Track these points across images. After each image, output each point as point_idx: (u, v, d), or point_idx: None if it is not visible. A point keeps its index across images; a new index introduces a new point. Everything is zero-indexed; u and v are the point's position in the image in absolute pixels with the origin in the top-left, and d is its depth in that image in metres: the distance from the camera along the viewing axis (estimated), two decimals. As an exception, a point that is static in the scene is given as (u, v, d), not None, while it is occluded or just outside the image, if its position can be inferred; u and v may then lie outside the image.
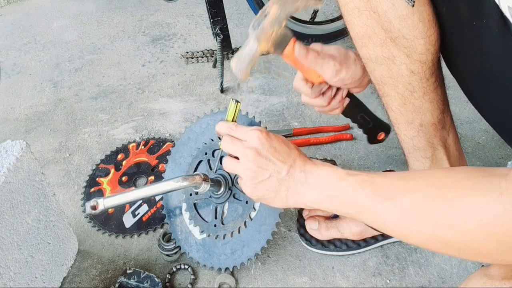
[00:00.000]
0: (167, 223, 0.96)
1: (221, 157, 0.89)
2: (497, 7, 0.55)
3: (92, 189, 1.14)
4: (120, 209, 1.08)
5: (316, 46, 0.82)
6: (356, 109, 0.94)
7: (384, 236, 0.94)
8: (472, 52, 0.66)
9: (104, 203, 0.78)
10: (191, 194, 0.92)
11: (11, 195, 0.78)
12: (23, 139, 0.84)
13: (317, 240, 0.95)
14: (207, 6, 1.39)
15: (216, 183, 0.85)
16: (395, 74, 0.73)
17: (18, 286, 0.81)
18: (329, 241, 0.94)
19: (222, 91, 1.43)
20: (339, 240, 0.94)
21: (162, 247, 0.96)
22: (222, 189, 0.86)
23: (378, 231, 0.91)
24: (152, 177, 1.15)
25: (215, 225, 0.88)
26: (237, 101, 0.79)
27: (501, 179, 0.50)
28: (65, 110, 1.46)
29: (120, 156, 1.23)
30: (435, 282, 0.89)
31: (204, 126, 0.95)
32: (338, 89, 0.88)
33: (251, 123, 0.88)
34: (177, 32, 1.79)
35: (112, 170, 1.19)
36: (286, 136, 1.23)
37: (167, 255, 0.96)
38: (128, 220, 1.06)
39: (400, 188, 0.61)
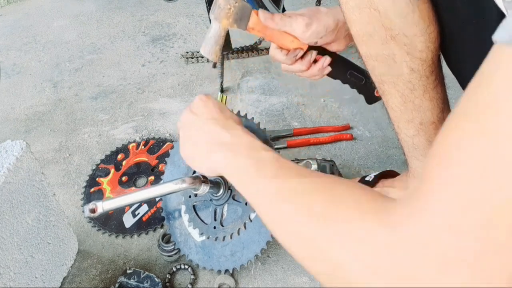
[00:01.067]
0: (167, 225, 0.96)
1: None
2: (496, 4, 0.55)
3: (92, 189, 1.14)
4: (120, 209, 1.08)
5: (285, 13, 0.83)
6: (343, 68, 0.90)
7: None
8: (472, 50, 0.66)
9: (103, 206, 0.77)
10: (190, 196, 0.91)
11: (11, 195, 0.78)
12: (23, 139, 0.83)
13: (317, 240, 0.95)
14: (207, 6, 1.38)
15: (215, 184, 0.85)
16: (395, 72, 0.73)
17: (18, 286, 0.81)
18: (329, 241, 0.94)
19: (222, 91, 1.43)
20: (339, 239, 0.94)
21: (162, 248, 0.96)
22: (221, 190, 0.86)
23: None
24: (152, 177, 1.15)
25: (214, 227, 0.88)
26: (225, 96, 0.81)
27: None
28: (65, 110, 1.46)
29: (120, 156, 1.23)
30: (436, 282, 0.89)
31: None
32: (318, 56, 0.85)
33: (250, 125, 0.88)
34: (177, 32, 1.79)
35: (112, 170, 1.19)
36: (286, 136, 1.23)
37: (167, 255, 0.96)
38: (128, 220, 1.06)
39: (296, 172, 0.54)
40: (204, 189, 0.82)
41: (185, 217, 0.92)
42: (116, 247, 1.02)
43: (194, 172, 0.91)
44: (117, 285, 0.91)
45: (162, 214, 0.96)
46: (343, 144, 1.20)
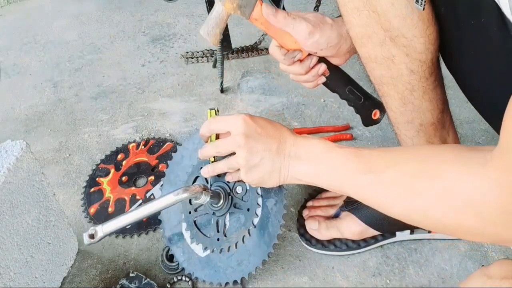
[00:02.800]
0: (169, 246, 0.94)
1: None
2: (496, 6, 0.55)
3: (92, 189, 1.14)
4: (120, 209, 1.08)
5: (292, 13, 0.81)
6: (342, 82, 0.89)
7: (384, 236, 0.94)
8: (471, 51, 0.66)
9: (103, 229, 0.76)
10: (190, 212, 0.91)
11: (11, 195, 0.78)
12: (23, 139, 0.84)
13: (317, 240, 0.95)
14: (207, 6, 1.38)
15: (215, 195, 0.84)
16: (394, 74, 0.73)
17: (18, 286, 0.81)
18: (329, 241, 0.94)
19: (222, 91, 1.43)
20: (339, 240, 0.94)
21: (165, 265, 0.94)
22: (221, 201, 0.86)
23: (378, 231, 0.91)
24: (152, 177, 1.15)
25: (218, 239, 0.87)
26: (213, 109, 0.80)
27: (486, 152, 0.50)
28: (65, 110, 1.46)
29: (120, 156, 1.23)
30: (435, 282, 0.89)
31: (197, 142, 0.93)
32: (317, 63, 0.84)
33: None
34: (177, 32, 1.79)
35: (112, 170, 1.19)
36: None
37: (171, 273, 0.94)
38: (128, 220, 1.06)
39: (384, 160, 0.61)
40: (205, 198, 0.81)
41: (187, 234, 0.91)
42: (116, 247, 1.02)
43: (194, 184, 0.91)
44: (118, 286, 0.91)
45: (162, 237, 0.95)
46: (343, 144, 1.20)
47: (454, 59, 0.72)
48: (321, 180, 0.68)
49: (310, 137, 0.72)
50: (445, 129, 0.82)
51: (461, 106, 1.24)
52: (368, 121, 0.94)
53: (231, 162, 0.74)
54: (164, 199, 0.78)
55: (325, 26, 0.78)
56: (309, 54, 0.83)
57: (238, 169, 0.76)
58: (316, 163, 0.68)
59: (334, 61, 0.85)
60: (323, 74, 0.86)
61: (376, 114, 0.93)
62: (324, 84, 0.88)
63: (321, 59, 0.84)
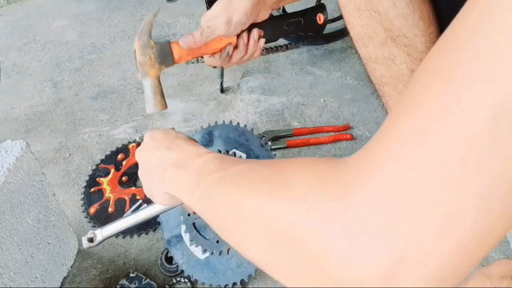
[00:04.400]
0: (168, 249, 0.93)
1: None
2: None
3: (92, 189, 1.14)
4: (120, 209, 1.08)
5: (202, 20, 0.80)
6: (277, 27, 0.86)
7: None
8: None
9: (102, 233, 0.75)
10: (189, 215, 0.90)
11: (11, 195, 0.78)
12: (23, 139, 0.84)
13: (317, 240, 0.95)
14: (207, 6, 1.38)
15: None
16: (395, 74, 0.73)
17: (18, 286, 0.81)
18: (329, 241, 0.94)
19: (222, 91, 1.43)
20: (339, 240, 0.94)
21: (165, 268, 0.94)
22: None
23: None
24: (152, 177, 1.15)
25: (217, 241, 0.87)
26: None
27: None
28: (65, 110, 1.46)
29: (120, 156, 1.23)
30: (435, 282, 0.89)
31: None
32: (248, 34, 0.82)
33: (243, 133, 0.87)
34: (177, 32, 1.79)
35: (112, 170, 1.19)
36: (286, 136, 1.23)
37: (170, 276, 0.94)
38: (128, 220, 1.06)
39: (235, 162, 0.48)
40: None
41: (186, 237, 0.91)
42: (116, 247, 1.02)
43: None
44: (118, 287, 0.91)
45: (162, 239, 0.95)
46: (343, 144, 1.20)
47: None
48: (179, 187, 0.54)
49: (192, 143, 0.60)
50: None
51: (461, 106, 1.24)
52: (319, 31, 0.90)
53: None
54: None
55: (233, 3, 0.77)
56: (239, 35, 0.81)
57: None
58: (181, 167, 0.55)
59: (260, 19, 0.83)
60: (259, 37, 0.84)
61: (320, 18, 0.89)
62: (267, 41, 0.86)
63: (249, 27, 0.82)
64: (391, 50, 0.70)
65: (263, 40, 0.85)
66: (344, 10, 0.72)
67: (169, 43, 0.79)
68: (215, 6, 0.79)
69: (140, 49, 0.78)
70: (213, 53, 0.82)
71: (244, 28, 0.80)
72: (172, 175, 0.55)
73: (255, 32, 0.82)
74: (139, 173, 0.65)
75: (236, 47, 0.81)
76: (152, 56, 0.78)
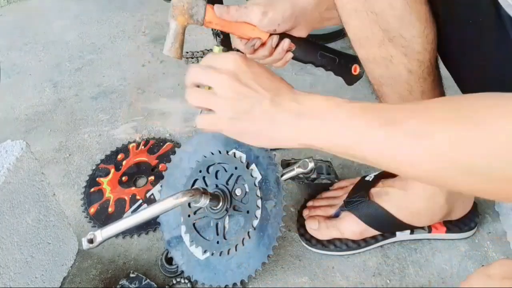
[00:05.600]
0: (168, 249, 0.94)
1: (217, 171, 0.88)
2: (493, 5, 0.55)
3: (92, 189, 1.14)
4: (120, 209, 1.09)
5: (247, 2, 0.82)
6: (311, 50, 0.86)
7: (384, 236, 0.94)
8: (469, 51, 0.66)
9: (102, 234, 0.75)
10: (189, 216, 0.90)
11: (11, 195, 0.78)
12: (23, 139, 0.84)
13: (317, 240, 0.95)
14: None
15: (214, 197, 0.84)
16: (393, 74, 0.73)
17: (18, 286, 0.81)
18: (329, 241, 0.94)
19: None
20: (339, 240, 0.94)
21: (165, 269, 0.94)
22: (220, 203, 0.85)
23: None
24: (152, 177, 1.15)
25: (217, 242, 0.87)
26: (224, 48, 0.78)
27: None
28: (65, 110, 1.46)
29: (120, 156, 1.23)
30: (435, 282, 0.89)
31: (196, 144, 0.93)
32: (280, 40, 0.84)
33: None
34: (177, 32, 1.79)
35: (112, 170, 1.19)
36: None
37: (170, 276, 0.94)
38: (128, 220, 1.06)
39: (406, 111, 0.51)
40: (204, 201, 0.81)
41: (186, 237, 0.91)
42: (116, 247, 1.02)
43: (193, 186, 0.91)
44: (118, 287, 0.91)
45: (162, 240, 0.95)
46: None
47: (452, 59, 0.72)
48: (329, 139, 0.55)
49: (310, 93, 0.60)
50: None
51: (461, 106, 1.23)
52: (351, 79, 0.90)
53: (212, 101, 0.61)
54: (163, 203, 0.78)
55: (276, 2, 0.80)
56: (270, 35, 0.83)
57: (213, 113, 0.63)
58: (321, 119, 0.56)
59: (297, 33, 0.84)
60: (289, 50, 0.85)
61: (356, 69, 0.90)
62: (295, 58, 0.87)
63: (284, 36, 0.84)
64: (389, 50, 0.70)
65: (290, 54, 0.86)
66: (341, 11, 0.72)
67: (205, 3, 0.80)
68: None
69: None
70: (241, 38, 0.83)
71: (276, 29, 0.82)
72: (307, 129, 0.56)
73: (286, 42, 0.84)
74: (226, 94, 0.59)
75: (264, 44, 0.83)
76: (186, 6, 0.80)
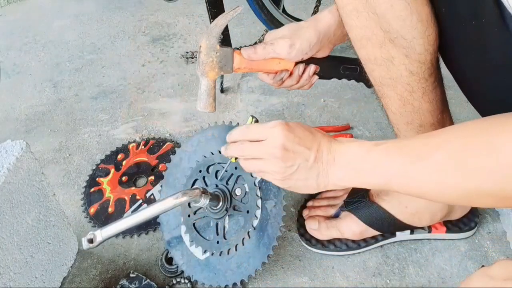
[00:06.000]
0: (168, 249, 0.93)
1: (217, 171, 0.88)
2: (496, 6, 0.55)
3: (92, 189, 1.14)
4: (120, 209, 1.09)
5: (267, 37, 0.85)
6: (334, 67, 0.90)
7: (384, 236, 0.94)
8: (471, 51, 0.66)
9: (102, 234, 0.75)
10: (189, 216, 0.90)
11: (11, 195, 0.78)
12: (23, 139, 0.84)
13: (317, 240, 0.95)
14: (207, 6, 1.38)
15: (214, 197, 0.84)
16: (394, 75, 0.73)
17: (18, 286, 0.81)
18: (329, 241, 0.95)
19: (222, 91, 1.43)
20: (339, 240, 0.94)
21: (165, 269, 0.94)
22: (220, 203, 0.85)
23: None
24: (152, 177, 1.15)
25: (217, 242, 0.87)
26: (254, 118, 0.78)
27: None
28: (65, 110, 1.46)
29: (120, 156, 1.23)
30: (435, 282, 0.89)
31: (196, 144, 0.93)
32: (305, 66, 0.86)
33: None
34: (177, 32, 1.79)
35: (112, 170, 1.19)
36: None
37: (170, 276, 0.94)
38: (128, 220, 1.06)
39: (429, 146, 0.58)
40: (204, 201, 0.81)
41: (186, 237, 0.91)
42: (116, 247, 1.02)
43: (193, 186, 0.91)
44: (118, 287, 0.91)
45: (162, 240, 0.95)
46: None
47: (454, 60, 0.72)
48: (365, 181, 0.66)
49: (345, 140, 0.70)
50: (445, 129, 0.82)
51: (461, 106, 1.24)
52: (370, 83, 0.93)
53: (265, 168, 0.71)
54: (163, 203, 0.78)
55: (301, 31, 0.81)
56: (296, 64, 0.85)
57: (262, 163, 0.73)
58: (356, 166, 0.66)
59: (321, 54, 0.86)
60: (314, 73, 0.87)
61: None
62: (320, 77, 0.89)
63: (309, 61, 0.86)
64: (390, 51, 0.70)
65: (316, 77, 0.89)
66: (342, 12, 0.72)
67: (232, 50, 0.82)
68: (284, 27, 0.84)
69: (206, 50, 0.81)
70: (269, 73, 0.85)
71: (304, 57, 0.84)
72: (343, 175, 0.67)
73: (312, 67, 0.86)
74: (278, 164, 0.69)
75: (290, 74, 0.85)
76: (215, 60, 0.82)
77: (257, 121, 0.78)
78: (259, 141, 0.71)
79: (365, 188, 0.71)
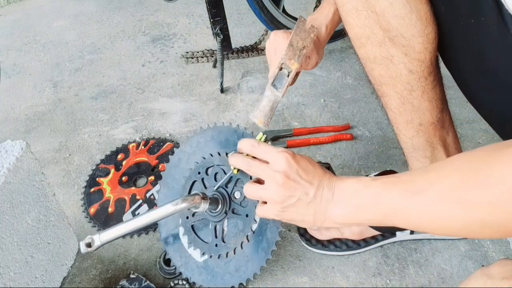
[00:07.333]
0: (166, 250, 0.93)
1: (216, 174, 0.88)
2: (495, 4, 0.55)
3: (92, 189, 1.14)
4: (120, 209, 1.09)
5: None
6: None
7: (384, 236, 0.94)
8: (470, 50, 0.66)
9: (100, 238, 0.74)
10: (187, 217, 0.90)
11: (11, 195, 0.78)
12: (23, 139, 0.84)
13: (317, 240, 0.95)
14: (207, 6, 1.38)
15: (214, 201, 0.84)
16: (393, 74, 0.73)
17: (18, 286, 0.81)
18: (329, 241, 0.94)
19: (222, 91, 1.43)
20: (339, 240, 0.94)
21: (163, 270, 0.94)
22: (220, 206, 0.85)
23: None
24: (152, 177, 1.15)
25: (216, 245, 0.86)
26: (265, 135, 0.78)
27: None
28: (65, 110, 1.46)
29: (120, 156, 1.23)
30: (435, 282, 0.89)
31: (195, 145, 0.93)
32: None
33: (243, 135, 0.86)
34: (177, 32, 1.79)
35: (112, 170, 1.19)
36: (286, 136, 1.24)
37: (168, 277, 0.94)
38: (128, 220, 1.06)
39: (425, 180, 0.58)
40: (204, 206, 0.81)
41: (184, 239, 0.90)
42: (116, 247, 1.02)
43: (190, 191, 0.90)
44: (118, 287, 0.91)
45: (160, 240, 0.94)
46: (343, 144, 1.20)
47: (453, 59, 0.72)
48: (364, 217, 0.65)
49: (345, 178, 0.68)
50: (445, 128, 0.82)
51: (461, 106, 1.24)
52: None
53: (265, 195, 0.71)
54: (163, 209, 0.77)
55: (317, 48, 0.87)
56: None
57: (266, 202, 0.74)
58: (354, 202, 0.65)
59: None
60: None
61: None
62: None
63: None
64: (389, 50, 0.70)
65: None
66: (342, 11, 0.72)
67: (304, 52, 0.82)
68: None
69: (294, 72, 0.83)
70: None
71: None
72: (341, 211, 0.66)
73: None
74: (278, 192, 0.69)
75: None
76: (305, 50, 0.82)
77: (266, 140, 0.77)
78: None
79: (365, 224, 0.70)
